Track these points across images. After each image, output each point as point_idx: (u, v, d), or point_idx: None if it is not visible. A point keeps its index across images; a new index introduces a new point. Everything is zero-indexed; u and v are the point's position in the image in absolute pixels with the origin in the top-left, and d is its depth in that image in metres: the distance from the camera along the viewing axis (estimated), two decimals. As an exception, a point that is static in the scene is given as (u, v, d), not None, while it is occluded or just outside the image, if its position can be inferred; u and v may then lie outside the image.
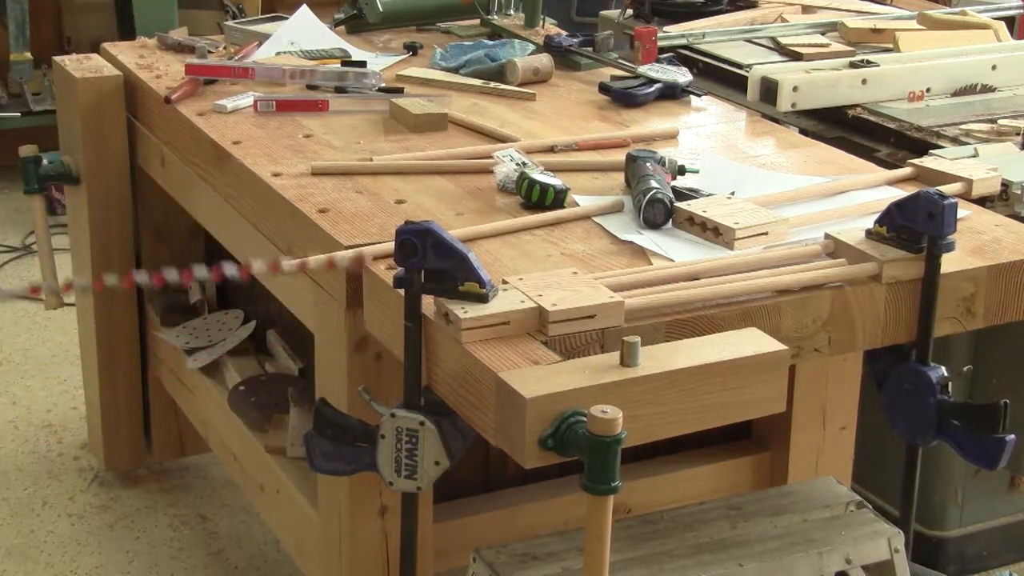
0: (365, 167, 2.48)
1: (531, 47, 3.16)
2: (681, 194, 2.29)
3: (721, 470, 2.65)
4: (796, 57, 3.46)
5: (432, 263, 1.86)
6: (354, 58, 3.11)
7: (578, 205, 2.32)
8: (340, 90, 2.90)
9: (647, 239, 2.19)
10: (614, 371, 1.75)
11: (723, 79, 3.41)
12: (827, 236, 2.15)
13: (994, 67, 3.25)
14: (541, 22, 3.37)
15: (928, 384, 2.16)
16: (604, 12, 4.08)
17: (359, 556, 2.34)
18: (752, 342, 1.86)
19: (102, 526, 3.34)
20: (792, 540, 2.20)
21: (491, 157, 2.45)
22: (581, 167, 2.51)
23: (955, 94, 3.20)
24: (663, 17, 3.86)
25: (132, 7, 5.21)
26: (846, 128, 3.07)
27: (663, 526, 2.23)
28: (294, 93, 2.91)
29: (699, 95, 2.95)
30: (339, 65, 3.01)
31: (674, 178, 2.38)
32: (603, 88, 2.93)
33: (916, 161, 2.51)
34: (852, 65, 3.18)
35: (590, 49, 3.14)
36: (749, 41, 3.67)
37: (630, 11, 3.91)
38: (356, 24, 3.42)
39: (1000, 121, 2.99)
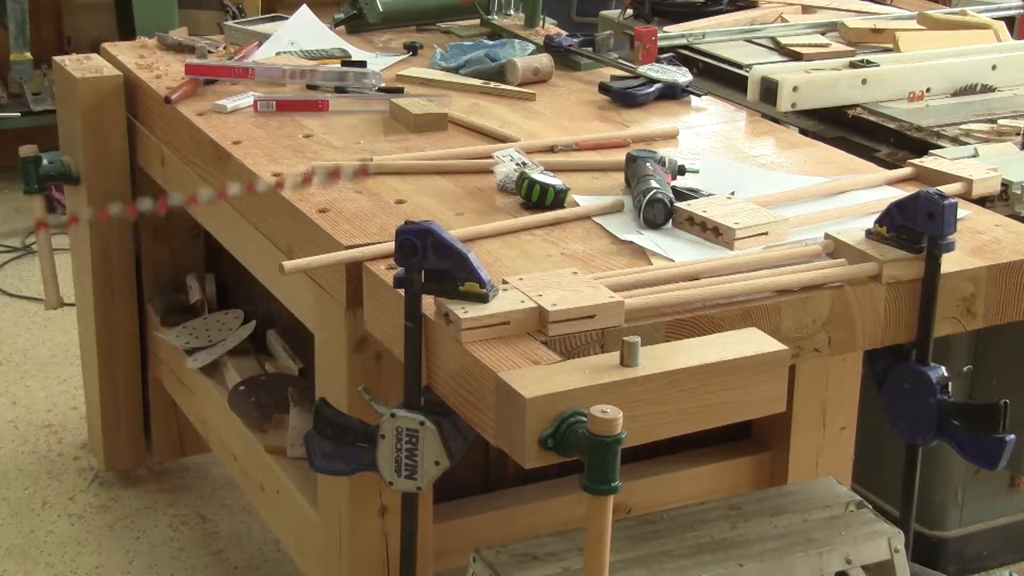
0: (365, 167, 2.48)
1: (531, 47, 3.16)
2: (681, 194, 2.29)
3: (721, 470, 2.65)
4: (796, 57, 3.46)
5: (432, 263, 1.86)
6: (354, 58, 3.11)
7: (578, 205, 2.32)
8: (340, 90, 2.90)
9: (647, 239, 2.19)
10: (614, 371, 1.75)
11: (723, 79, 3.41)
12: (827, 236, 2.15)
13: (994, 67, 3.25)
14: (541, 22, 3.37)
15: (928, 384, 2.16)
16: (604, 12, 4.08)
17: (359, 556, 2.34)
18: (752, 342, 1.86)
19: (102, 526, 3.34)
20: (792, 540, 2.20)
21: (491, 157, 2.45)
22: (581, 167, 2.51)
23: (955, 94, 3.20)
24: (663, 17, 3.86)
25: (132, 7, 5.21)
26: (846, 128, 3.07)
27: (663, 526, 2.23)
28: (294, 93, 2.91)
29: (699, 95, 2.95)
30: (339, 65, 3.01)
31: (674, 178, 2.38)
32: (603, 88, 2.93)
33: (916, 161, 2.51)
34: (852, 65, 3.18)
35: (590, 49, 3.14)
36: (749, 41, 3.67)
37: (630, 11, 3.91)
38: (356, 24, 3.42)
39: (1000, 121, 2.99)
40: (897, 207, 2.09)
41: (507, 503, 2.50)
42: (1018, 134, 2.88)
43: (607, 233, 2.23)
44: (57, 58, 3.25)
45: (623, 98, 2.89)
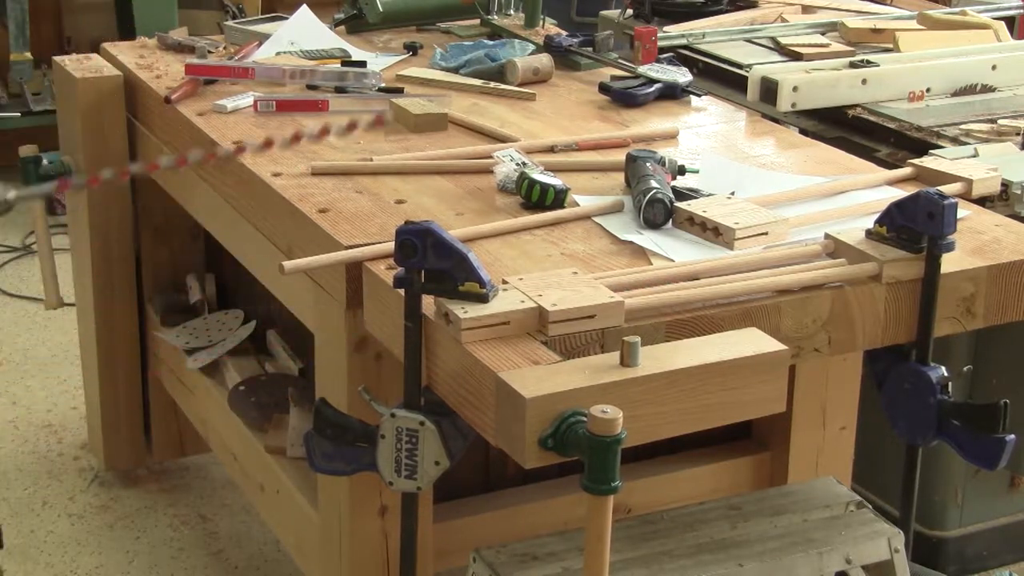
0: (365, 167, 2.48)
1: (531, 47, 3.16)
2: (681, 194, 2.29)
3: (721, 470, 2.65)
4: (796, 57, 3.46)
5: (432, 263, 1.87)
6: (354, 58, 3.11)
7: (578, 205, 2.32)
8: (340, 90, 2.90)
9: (647, 239, 2.19)
10: (614, 371, 1.75)
11: (723, 79, 3.41)
12: (827, 236, 2.15)
13: (994, 67, 3.25)
14: (541, 22, 3.37)
15: (928, 384, 2.16)
16: (604, 12, 4.08)
17: (359, 556, 2.34)
18: (752, 342, 1.86)
19: (102, 526, 3.34)
20: (792, 540, 2.20)
21: (491, 157, 2.45)
22: (581, 167, 2.51)
23: (955, 94, 3.20)
24: (663, 17, 3.86)
25: (132, 7, 5.21)
26: (846, 128, 3.07)
27: (663, 526, 2.23)
28: (294, 93, 2.91)
29: (699, 95, 2.95)
30: (339, 65, 3.01)
31: (674, 178, 2.38)
32: (603, 88, 2.93)
33: (916, 161, 2.51)
34: (852, 65, 3.18)
35: (590, 49, 3.14)
36: (749, 41, 3.67)
37: (630, 11, 3.91)
38: (356, 24, 3.42)
39: (1000, 121, 2.99)
40: (897, 207, 2.09)
41: (507, 503, 2.50)
42: (1018, 134, 2.88)
43: (607, 233, 2.23)
44: (57, 58, 3.25)
45: (623, 98, 2.89)
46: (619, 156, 2.46)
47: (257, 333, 3.12)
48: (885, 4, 4.02)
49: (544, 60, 3.06)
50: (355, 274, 2.12)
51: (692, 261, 2.09)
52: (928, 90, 3.17)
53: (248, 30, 3.33)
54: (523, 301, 1.88)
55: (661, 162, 2.37)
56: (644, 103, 2.88)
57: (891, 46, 3.47)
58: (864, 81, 3.12)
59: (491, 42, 3.20)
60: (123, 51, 3.26)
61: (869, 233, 2.12)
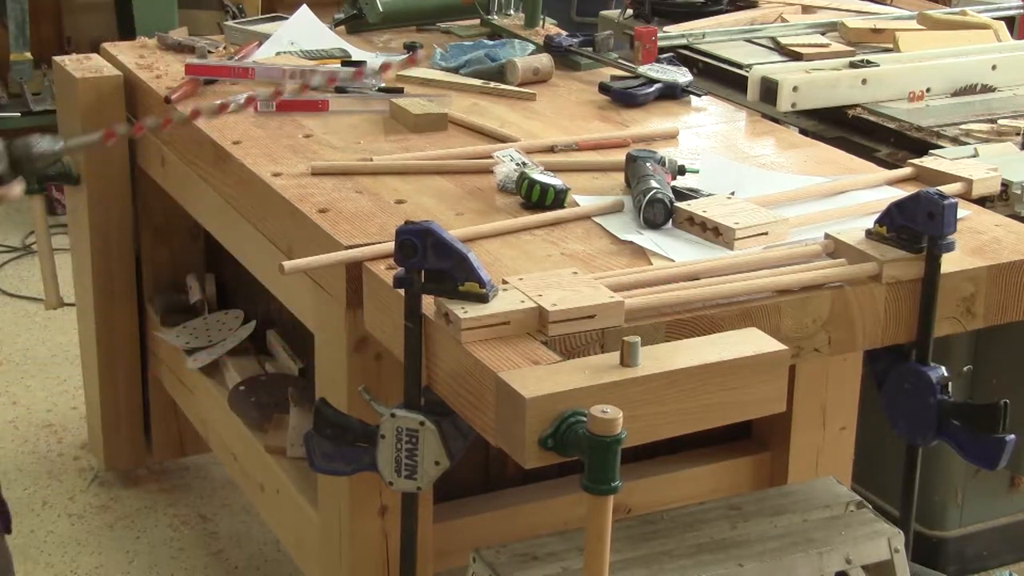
0: (365, 167, 2.48)
1: (531, 47, 3.16)
2: (681, 194, 2.29)
3: (721, 470, 2.65)
4: (796, 57, 3.46)
5: (432, 263, 1.86)
6: (354, 58, 3.11)
7: (578, 205, 2.32)
8: (340, 90, 2.90)
9: (647, 239, 2.19)
10: (614, 371, 1.75)
11: (723, 79, 3.41)
12: (827, 236, 2.14)
13: (994, 67, 3.25)
14: (541, 22, 3.37)
15: (928, 384, 2.16)
16: (604, 12, 4.08)
17: (359, 556, 2.34)
18: (752, 342, 1.86)
19: (102, 526, 3.34)
20: (792, 540, 2.20)
21: (491, 157, 2.45)
22: (581, 167, 2.51)
23: (955, 94, 3.20)
24: (663, 17, 3.86)
25: (132, 7, 5.21)
26: (846, 128, 3.07)
27: (663, 526, 2.23)
28: (294, 93, 2.91)
29: (699, 95, 2.95)
30: (339, 65, 3.01)
31: (674, 178, 2.38)
32: (603, 88, 2.93)
33: (916, 161, 2.51)
34: (852, 65, 3.18)
35: (590, 49, 3.14)
36: (749, 41, 3.67)
37: (630, 11, 3.91)
38: (356, 24, 3.42)
39: (1000, 121, 2.99)
40: (897, 207, 2.09)
41: (507, 503, 2.50)
42: (1018, 134, 2.88)
43: (607, 233, 2.23)
44: (57, 58, 3.25)
45: (623, 98, 2.89)
46: (619, 156, 2.45)
47: (257, 333, 3.12)
48: (885, 4, 4.02)
49: (544, 60, 3.06)
50: (355, 274, 2.12)
51: (692, 261, 2.09)
52: (928, 90, 3.17)
53: (248, 30, 3.33)
54: (523, 301, 1.88)
55: (661, 162, 2.37)
56: (644, 103, 2.88)
57: (891, 46, 3.47)
58: (864, 81, 3.12)
59: (491, 42, 3.20)
60: (123, 51, 3.26)
61: (869, 233, 2.12)
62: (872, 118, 3.05)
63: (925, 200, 2.05)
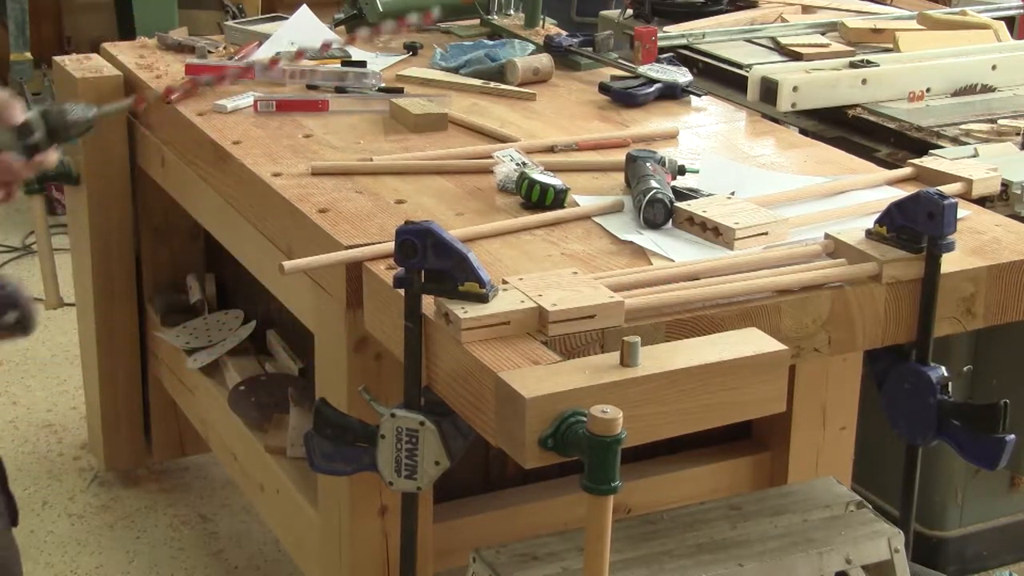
0: (365, 167, 2.48)
1: (531, 47, 3.16)
2: (681, 194, 2.29)
3: (721, 470, 2.65)
4: (796, 57, 3.46)
5: (432, 263, 1.86)
6: (354, 58, 3.11)
7: (578, 205, 2.32)
8: (340, 90, 2.90)
9: (647, 239, 2.19)
10: (614, 371, 1.75)
11: (723, 79, 3.41)
12: (827, 236, 2.14)
13: (994, 67, 3.25)
14: (541, 22, 3.37)
15: (928, 384, 2.16)
16: (604, 12, 4.08)
17: (359, 556, 2.34)
18: (752, 342, 1.86)
19: (102, 526, 3.34)
20: (792, 540, 2.20)
21: (491, 157, 2.45)
22: (581, 167, 2.51)
23: (955, 94, 3.20)
24: (663, 17, 3.86)
25: (132, 7, 5.21)
26: (846, 128, 3.07)
27: (663, 526, 2.23)
28: (294, 93, 2.91)
29: (699, 95, 2.95)
30: (339, 65, 3.01)
31: (674, 178, 2.38)
32: (603, 88, 2.93)
33: (916, 161, 2.51)
34: (852, 65, 3.18)
35: (590, 49, 3.14)
36: (749, 41, 3.67)
37: (630, 11, 3.91)
38: (356, 24, 3.41)
39: (1000, 121, 2.99)
40: (897, 207, 2.09)
41: (507, 503, 2.50)
42: (1018, 134, 2.88)
43: (607, 233, 2.23)
44: (57, 58, 3.25)
45: (623, 98, 2.89)
46: (619, 156, 2.45)
47: (257, 333, 3.12)
48: (885, 4, 4.02)
49: (544, 60, 3.06)
50: (355, 274, 2.12)
51: (692, 261, 2.09)
52: (928, 90, 3.17)
53: (248, 30, 3.33)
54: (523, 301, 1.88)
55: (661, 162, 2.37)
56: (644, 103, 2.88)
57: (891, 46, 3.47)
58: (864, 81, 3.12)
59: (491, 42, 3.20)
60: (123, 51, 3.26)
61: (869, 233, 2.12)
62: (872, 118, 3.05)
63: (925, 200, 2.05)
